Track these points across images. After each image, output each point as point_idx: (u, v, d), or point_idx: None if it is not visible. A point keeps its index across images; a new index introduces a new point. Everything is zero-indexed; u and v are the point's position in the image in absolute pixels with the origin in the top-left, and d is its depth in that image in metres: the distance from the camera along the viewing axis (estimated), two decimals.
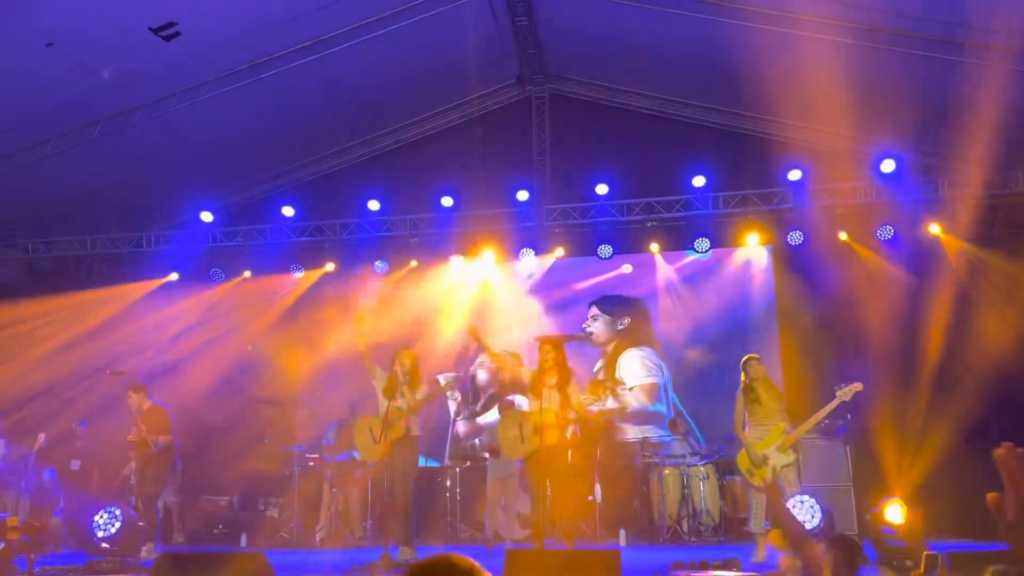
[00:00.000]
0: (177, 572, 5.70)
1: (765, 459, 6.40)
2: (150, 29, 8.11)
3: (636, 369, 10.43)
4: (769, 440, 6.44)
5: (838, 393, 6.33)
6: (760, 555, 6.32)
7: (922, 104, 9.09)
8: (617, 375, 10.45)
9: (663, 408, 10.27)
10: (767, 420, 6.54)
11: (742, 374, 6.73)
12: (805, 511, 5.94)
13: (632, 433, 10.16)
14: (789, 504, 6.03)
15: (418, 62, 9.93)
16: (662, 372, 10.43)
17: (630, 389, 10.31)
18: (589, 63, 10.98)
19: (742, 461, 6.56)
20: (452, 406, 9.24)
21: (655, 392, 10.34)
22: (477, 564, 1.72)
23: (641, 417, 10.28)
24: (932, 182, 9.76)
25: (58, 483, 8.95)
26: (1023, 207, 9.60)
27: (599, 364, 10.64)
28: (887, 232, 9.74)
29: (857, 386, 6.33)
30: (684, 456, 8.85)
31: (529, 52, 10.63)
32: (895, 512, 5.67)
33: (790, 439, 6.42)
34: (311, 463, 9.55)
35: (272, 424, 9.83)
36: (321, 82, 9.58)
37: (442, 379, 9.03)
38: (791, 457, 6.44)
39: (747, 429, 6.59)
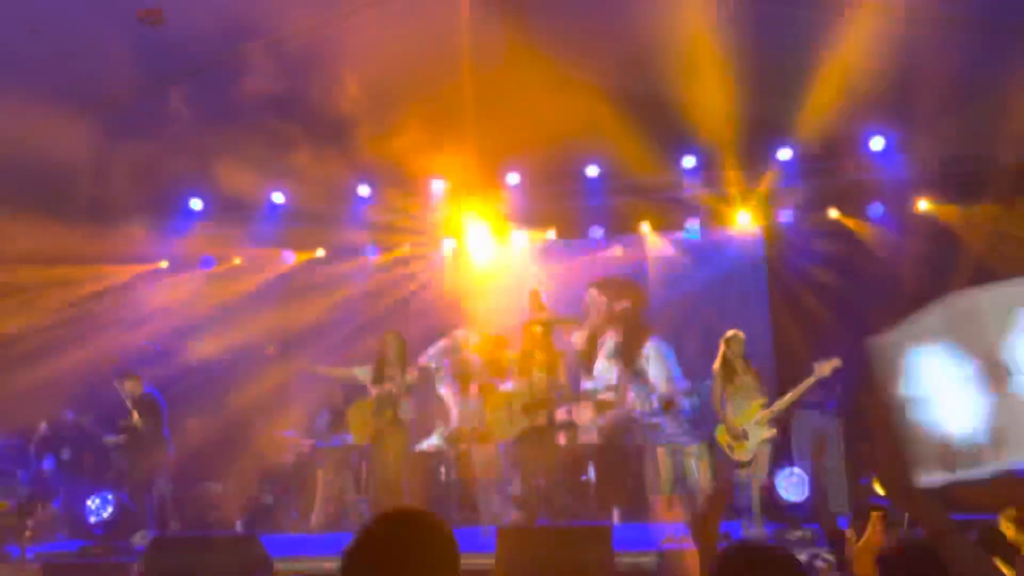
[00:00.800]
0: (170, 556, 5.73)
1: (744, 433, 6.45)
2: (137, 17, 8.06)
3: (655, 364, 10.35)
4: (748, 415, 6.49)
5: (816, 369, 6.40)
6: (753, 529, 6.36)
7: (911, 81, 9.09)
8: (640, 368, 10.36)
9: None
10: (745, 395, 6.59)
11: (723, 349, 6.78)
12: (795, 484, 5.97)
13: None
14: (778, 478, 6.06)
15: (409, 46, 9.87)
16: (673, 361, 10.41)
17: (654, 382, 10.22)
18: None
19: (721, 436, 6.62)
20: (444, 390, 9.23)
21: (672, 382, 10.30)
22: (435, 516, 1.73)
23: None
24: (922, 158, 9.77)
25: (58, 473, 8.95)
26: (1009, 177, 9.60)
27: (608, 347, 10.58)
28: (877, 209, 9.79)
29: (835, 362, 6.39)
30: (677, 435, 8.84)
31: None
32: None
33: (768, 414, 6.47)
34: (305, 449, 9.56)
35: (265, 411, 9.80)
36: (309, 66, 9.52)
37: (434, 362, 9.02)
38: (770, 432, 6.49)
39: (726, 404, 6.64)
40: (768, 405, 6.55)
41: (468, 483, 9.15)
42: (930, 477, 1.35)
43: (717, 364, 6.77)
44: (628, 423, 9.51)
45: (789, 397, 6.56)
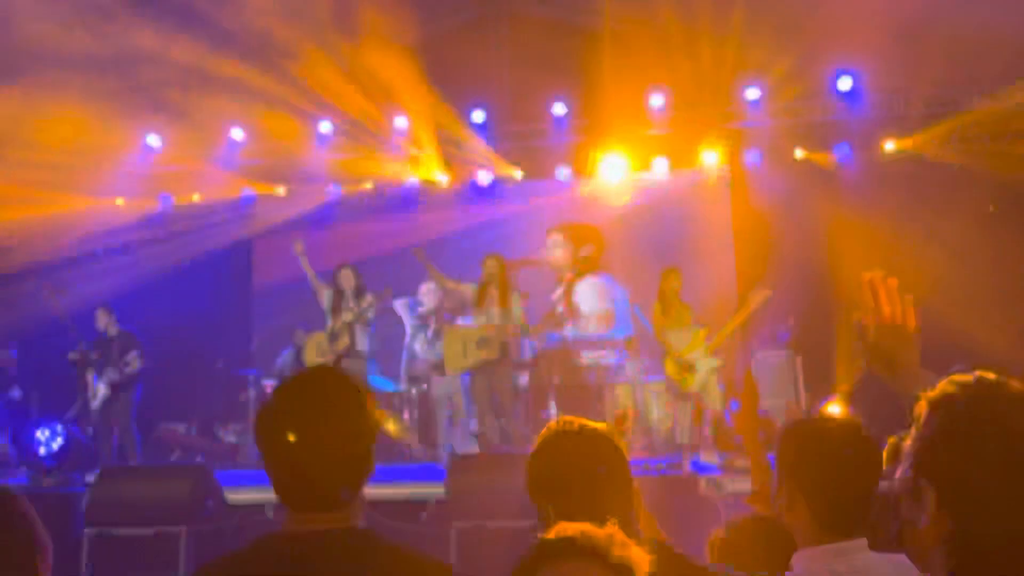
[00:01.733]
0: (119, 485, 5.70)
1: (691, 365, 6.48)
2: None
3: (590, 297, 10.39)
4: (693, 345, 6.51)
5: (749, 299, 6.47)
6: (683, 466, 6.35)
7: (882, 20, 9.00)
8: (574, 302, 10.42)
9: (620, 333, 10.28)
10: (683, 327, 6.62)
11: (660, 283, 6.82)
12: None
13: (587, 357, 10.18)
14: (727, 409, 6.10)
15: None
16: (617, 298, 10.41)
17: (587, 316, 10.30)
18: None
19: (669, 368, 6.62)
20: (408, 328, 9.20)
21: (611, 318, 10.34)
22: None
23: (597, 342, 10.29)
24: (889, 100, 9.72)
25: (4, 409, 8.82)
26: (977, 123, 9.60)
27: (558, 292, 10.60)
28: (843, 150, 9.77)
29: (766, 291, 6.44)
30: (638, 374, 8.89)
31: None
32: (833, 412, 5.72)
33: (715, 343, 6.51)
34: (267, 388, 9.50)
35: (227, 349, 9.71)
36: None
37: (398, 304, 8.96)
38: (717, 362, 6.54)
39: (667, 336, 6.65)
40: (711, 336, 6.59)
41: (431, 421, 9.18)
42: None
43: (656, 299, 6.82)
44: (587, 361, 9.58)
45: (727, 327, 6.64)
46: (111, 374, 7.99)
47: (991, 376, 1.20)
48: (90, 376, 7.98)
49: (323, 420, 1.54)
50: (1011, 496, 1.11)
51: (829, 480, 1.76)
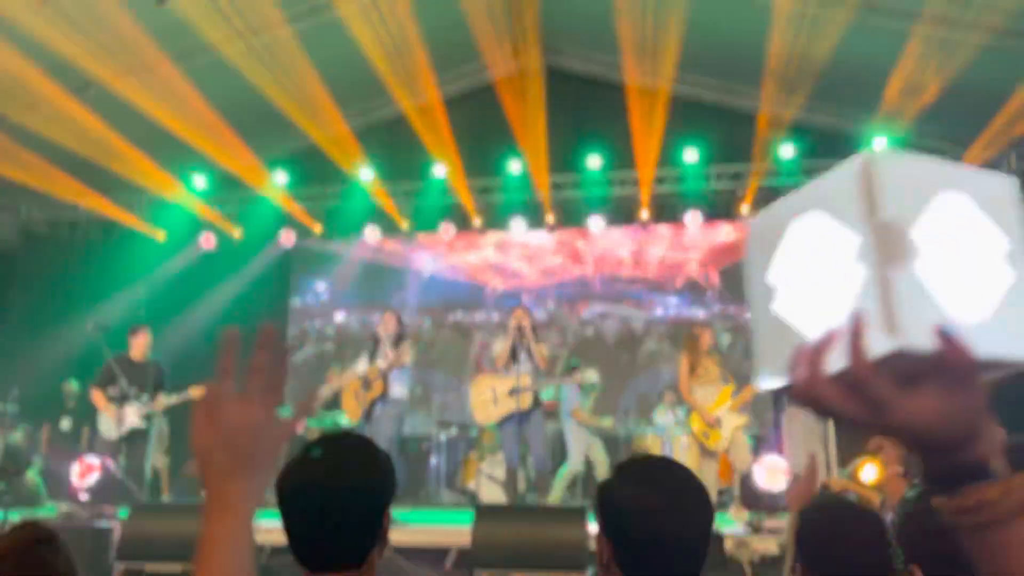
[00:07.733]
0: (150, 522, 5.78)
1: (718, 421, 6.42)
2: None
3: None
4: (719, 401, 6.45)
5: None
6: None
7: (919, 83, 9.03)
8: None
9: None
10: (710, 383, 6.56)
11: (689, 340, 6.80)
12: (773, 473, 5.95)
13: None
14: (757, 467, 6.04)
15: (414, 32, 9.87)
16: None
17: None
18: (586, 37, 10.92)
19: (695, 423, 6.55)
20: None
21: None
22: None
23: None
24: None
25: (31, 443, 8.93)
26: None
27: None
28: None
29: None
30: (668, 426, 8.85)
31: (525, 25, 10.58)
32: (869, 471, 5.63)
33: (740, 399, 6.44)
34: (299, 430, 9.58)
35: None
36: (315, 50, 9.55)
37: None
38: (743, 419, 6.47)
39: (694, 393, 6.58)
40: (737, 392, 6.53)
41: (460, 466, 9.20)
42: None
43: (682, 353, 6.77)
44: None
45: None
46: (145, 403, 7.39)
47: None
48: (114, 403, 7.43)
49: (338, 483, 1.58)
50: None
51: (840, 567, 1.80)
